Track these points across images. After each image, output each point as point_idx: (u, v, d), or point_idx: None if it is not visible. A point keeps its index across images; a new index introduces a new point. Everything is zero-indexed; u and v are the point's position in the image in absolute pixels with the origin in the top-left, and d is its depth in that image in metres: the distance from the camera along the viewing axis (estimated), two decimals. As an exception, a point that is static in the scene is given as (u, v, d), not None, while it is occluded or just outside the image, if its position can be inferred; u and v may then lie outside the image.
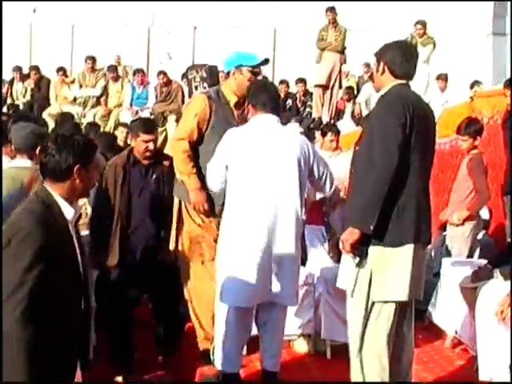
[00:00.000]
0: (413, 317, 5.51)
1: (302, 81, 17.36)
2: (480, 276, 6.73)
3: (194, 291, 6.70)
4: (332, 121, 15.18)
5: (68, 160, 3.98)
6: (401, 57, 5.40)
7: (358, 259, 5.29)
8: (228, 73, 6.83)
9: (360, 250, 5.26)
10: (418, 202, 5.31)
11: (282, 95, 16.25)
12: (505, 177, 8.20)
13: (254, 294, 6.02)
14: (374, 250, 5.23)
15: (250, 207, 5.95)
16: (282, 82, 17.97)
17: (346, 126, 15.16)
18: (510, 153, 8.03)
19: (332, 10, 16.63)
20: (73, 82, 17.98)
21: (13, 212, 3.95)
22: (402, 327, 5.43)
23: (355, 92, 17.40)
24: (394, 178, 5.14)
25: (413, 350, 5.58)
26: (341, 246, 5.35)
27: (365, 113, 15.33)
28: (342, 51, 16.33)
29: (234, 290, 5.98)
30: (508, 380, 6.08)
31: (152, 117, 16.22)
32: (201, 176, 6.49)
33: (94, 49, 18.80)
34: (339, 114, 16.77)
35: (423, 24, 16.50)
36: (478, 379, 6.50)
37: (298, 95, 17.47)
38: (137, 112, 16.67)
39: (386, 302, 5.25)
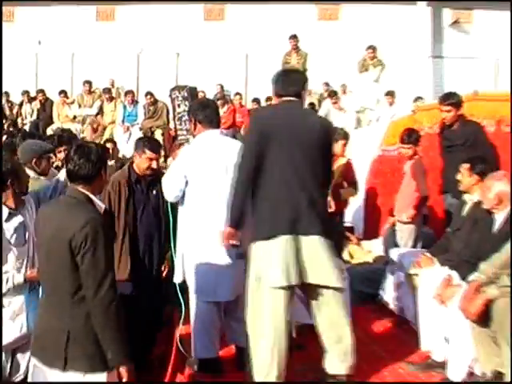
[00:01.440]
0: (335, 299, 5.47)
1: (270, 99, 17.31)
2: (422, 263, 6.75)
3: None
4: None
5: (97, 165, 4.21)
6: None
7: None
8: None
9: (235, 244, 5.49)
10: (287, 196, 5.32)
11: (255, 112, 16.24)
12: (441, 177, 8.21)
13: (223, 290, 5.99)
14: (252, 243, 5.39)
15: (205, 211, 5.93)
16: (254, 100, 18.03)
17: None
18: (445, 156, 8.05)
19: (294, 37, 16.63)
20: (73, 102, 17.96)
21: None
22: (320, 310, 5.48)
23: (316, 107, 17.40)
24: (250, 179, 5.30)
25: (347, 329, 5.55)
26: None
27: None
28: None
29: (207, 286, 5.97)
30: (444, 349, 6.13)
31: (141, 132, 16.25)
32: None
33: (90, 73, 18.75)
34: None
35: (373, 48, 16.60)
36: (420, 349, 6.65)
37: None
38: (128, 128, 16.67)
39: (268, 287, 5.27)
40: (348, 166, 8.70)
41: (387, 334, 7.33)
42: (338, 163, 8.57)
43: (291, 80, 5.67)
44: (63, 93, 18.07)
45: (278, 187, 5.34)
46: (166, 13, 20.64)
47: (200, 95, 13.77)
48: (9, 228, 5.12)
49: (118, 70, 19.73)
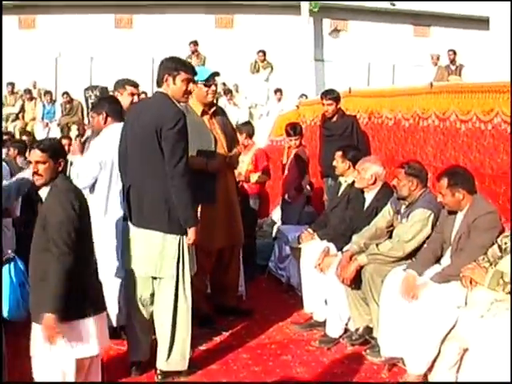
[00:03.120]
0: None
1: None
2: (304, 238, 6.77)
3: None
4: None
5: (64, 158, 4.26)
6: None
7: None
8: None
9: None
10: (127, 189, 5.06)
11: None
12: (320, 163, 8.27)
13: None
14: None
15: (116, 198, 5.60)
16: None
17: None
18: (325, 145, 8.11)
19: (195, 43, 16.76)
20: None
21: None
22: None
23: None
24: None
25: None
26: None
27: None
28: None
29: None
30: (324, 310, 6.20)
31: (59, 127, 15.96)
32: None
33: (13, 76, 18.22)
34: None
35: (263, 52, 16.79)
36: (303, 311, 6.69)
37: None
38: (47, 124, 16.37)
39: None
40: (257, 155, 8.64)
41: (276, 300, 7.33)
42: (250, 152, 8.56)
43: (158, 69, 5.09)
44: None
45: (129, 176, 5.08)
46: (81, 21, 20.22)
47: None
48: None
49: (39, 72, 19.23)
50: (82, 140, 6.76)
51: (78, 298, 3.99)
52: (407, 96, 7.58)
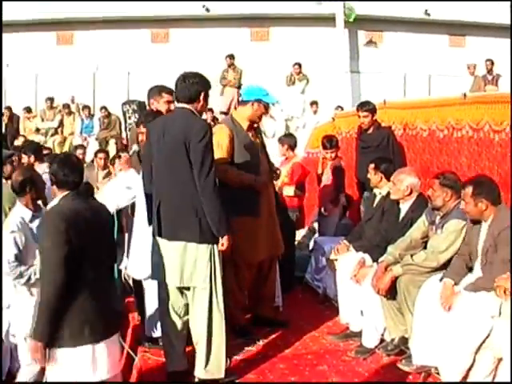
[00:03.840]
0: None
1: (210, 110, 17.34)
2: (339, 250, 6.83)
3: None
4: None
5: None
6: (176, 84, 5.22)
7: None
8: (244, 101, 6.30)
9: None
10: (158, 201, 5.14)
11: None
12: (356, 175, 8.35)
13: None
14: None
15: None
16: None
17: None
18: (361, 157, 8.19)
19: (231, 56, 16.79)
20: (35, 116, 17.77)
21: None
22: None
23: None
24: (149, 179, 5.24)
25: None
26: None
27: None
28: (239, 87, 16.44)
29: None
30: (360, 321, 6.26)
31: (97, 141, 16.21)
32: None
33: (52, 91, 18.55)
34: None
35: (299, 65, 16.91)
36: (339, 322, 6.78)
37: (208, 121, 17.41)
38: (85, 138, 16.66)
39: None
40: (294, 168, 8.77)
41: (312, 310, 7.40)
42: (288, 165, 8.70)
43: (183, 86, 5.15)
44: (27, 109, 17.91)
45: (158, 191, 5.18)
46: (118, 36, 20.51)
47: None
48: (32, 227, 5.11)
49: (77, 87, 19.53)
50: (130, 154, 6.88)
51: (73, 325, 3.88)
52: (441, 107, 7.62)
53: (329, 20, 19.69)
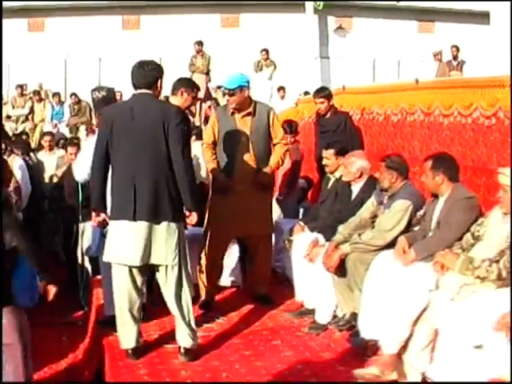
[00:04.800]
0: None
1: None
2: (295, 231, 7.07)
3: None
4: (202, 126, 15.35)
5: None
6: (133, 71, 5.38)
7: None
8: (231, 89, 6.66)
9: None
10: (133, 184, 5.24)
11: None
12: (315, 159, 8.55)
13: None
14: None
15: None
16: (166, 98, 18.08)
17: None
18: (320, 141, 8.39)
19: (200, 43, 16.90)
20: (6, 103, 17.81)
21: None
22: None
23: (220, 102, 17.62)
24: (102, 166, 5.32)
25: None
26: None
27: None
28: (207, 73, 16.62)
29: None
30: (313, 298, 6.51)
31: (67, 128, 16.31)
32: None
33: (24, 78, 18.56)
34: (207, 119, 16.97)
35: (266, 51, 17.03)
36: (295, 300, 7.02)
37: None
38: (56, 125, 16.74)
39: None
40: None
41: (271, 289, 7.51)
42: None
43: (141, 73, 5.33)
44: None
45: (122, 174, 5.30)
46: (89, 23, 20.55)
47: (117, 95, 13.97)
48: None
49: (48, 74, 19.58)
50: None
51: None
52: (395, 92, 7.87)
53: (298, 6, 19.89)
